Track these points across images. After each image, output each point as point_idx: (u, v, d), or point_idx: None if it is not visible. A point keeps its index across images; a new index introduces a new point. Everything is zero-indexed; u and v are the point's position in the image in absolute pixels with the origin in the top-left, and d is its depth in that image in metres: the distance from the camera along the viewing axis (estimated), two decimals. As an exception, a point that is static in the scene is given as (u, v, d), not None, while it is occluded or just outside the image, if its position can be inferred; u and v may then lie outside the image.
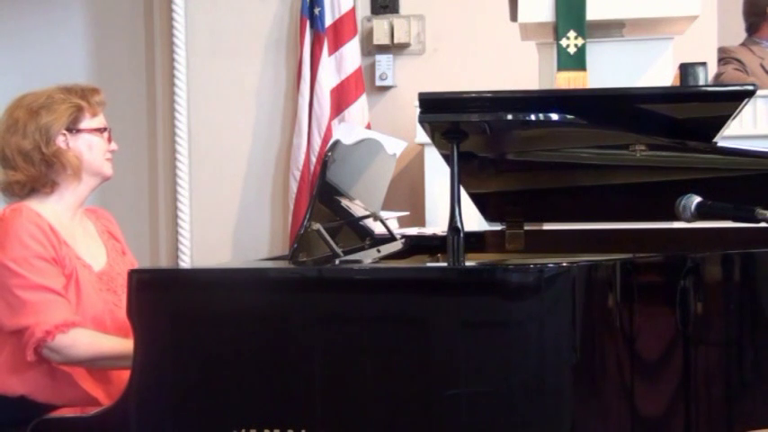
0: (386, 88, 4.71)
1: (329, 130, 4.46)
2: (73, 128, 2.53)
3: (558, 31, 3.48)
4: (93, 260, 2.57)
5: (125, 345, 2.31)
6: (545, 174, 2.63)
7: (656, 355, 2.20)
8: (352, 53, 4.55)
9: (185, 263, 4.77)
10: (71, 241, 2.51)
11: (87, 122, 2.56)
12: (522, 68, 3.85)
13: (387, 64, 4.68)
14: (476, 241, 2.86)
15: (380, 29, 4.67)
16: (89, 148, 2.55)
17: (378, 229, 2.70)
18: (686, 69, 3.41)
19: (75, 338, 2.37)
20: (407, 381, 2.00)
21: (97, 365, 2.44)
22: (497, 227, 2.87)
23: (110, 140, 2.61)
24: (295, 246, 2.21)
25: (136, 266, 2.71)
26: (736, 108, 2.25)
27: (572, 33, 3.47)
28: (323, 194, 2.30)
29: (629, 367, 2.13)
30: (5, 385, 2.41)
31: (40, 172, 2.49)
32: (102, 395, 2.44)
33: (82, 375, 2.46)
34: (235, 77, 4.76)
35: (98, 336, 2.42)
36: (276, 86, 4.75)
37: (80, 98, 2.55)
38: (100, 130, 2.57)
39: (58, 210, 2.53)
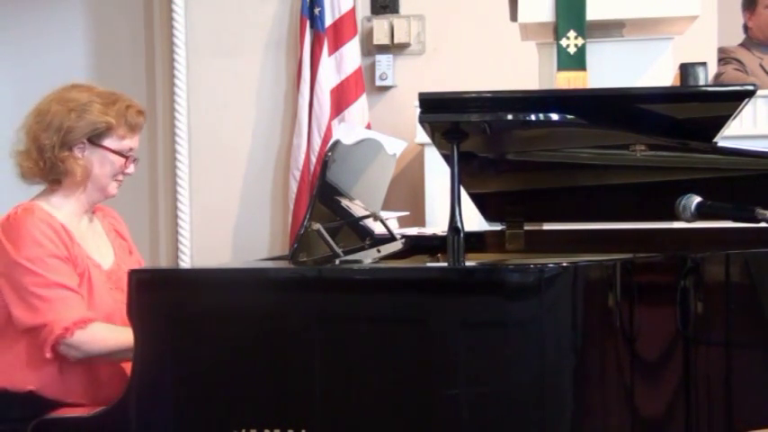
0: (386, 88, 4.71)
1: (329, 130, 4.46)
2: (95, 141, 2.54)
3: (558, 31, 3.48)
4: (102, 259, 2.59)
5: None
6: (545, 174, 2.63)
7: (657, 355, 2.20)
8: (352, 53, 4.55)
9: (185, 263, 4.77)
10: (81, 241, 2.53)
11: (111, 142, 2.55)
12: (522, 68, 3.85)
13: (387, 64, 4.68)
14: (476, 241, 2.86)
15: (380, 29, 4.67)
16: (101, 164, 2.55)
17: (378, 229, 2.70)
18: (686, 69, 3.41)
19: (94, 333, 2.40)
20: (407, 381, 2.00)
21: (114, 358, 2.45)
22: (497, 227, 2.86)
23: (128, 164, 2.59)
24: (295, 246, 2.21)
25: (143, 265, 2.75)
26: (737, 108, 2.25)
27: (572, 33, 3.47)
28: (323, 194, 2.30)
29: (629, 367, 2.13)
30: (16, 380, 2.43)
31: (45, 167, 2.52)
32: (109, 392, 2.43)
33: (91, 372, 2.47)
34: (235, 77, 4.76)
35: (115, 329, 2.44)
36: (276, 86, 4.75)
37: (117, 116, 2.54)
38: (120, 154, 2.56)
39: (68, 211, 2.55)
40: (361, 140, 2.47)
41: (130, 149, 2.59)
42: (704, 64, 3.44)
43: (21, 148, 2.56)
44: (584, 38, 3.46)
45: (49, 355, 2.38)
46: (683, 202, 2.20)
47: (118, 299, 2.50)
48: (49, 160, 2.51)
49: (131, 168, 2.62)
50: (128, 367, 2.40)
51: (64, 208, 2.54)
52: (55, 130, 2.51)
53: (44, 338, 2.38)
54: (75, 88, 2.59)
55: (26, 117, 2.58)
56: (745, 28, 4.60)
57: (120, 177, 2.60)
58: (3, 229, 2.45)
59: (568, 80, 3.47)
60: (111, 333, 2.42)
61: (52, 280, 2.40)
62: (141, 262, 2.77)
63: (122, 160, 2.57)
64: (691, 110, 2.31)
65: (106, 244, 2.65)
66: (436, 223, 3.89)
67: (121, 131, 2.56)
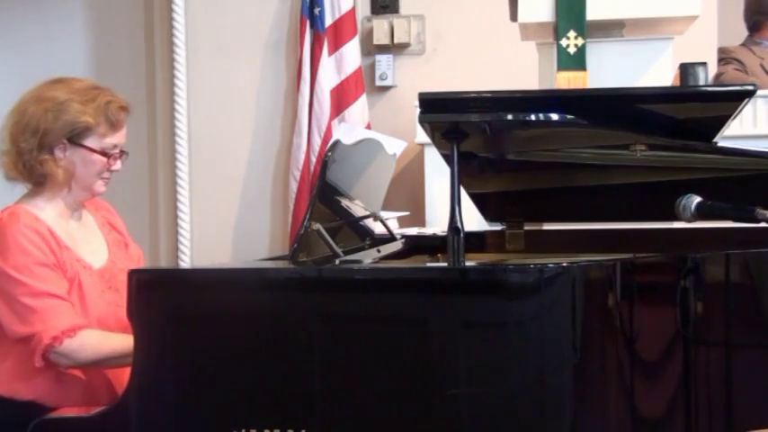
0: (386, 88, 4.71)
1: (329, 130, 4.46)
2: (75, 141, 2.46)
3: (558, 31, 3.48)
4: (94, 258, 2.54)
5: (131, 342, 2.25)
6: (545, 174, 2.63)
7: (657, 355, 2.20)
8: (352, 53, 4.54)
9: (185, 263, 4.76)
10: (70, 243, 2.48)
11: (92, 141, 2.47)
12: (522, 68, 3.85)
13: (387, 64, 4.67)
14: (476, 241, 2.86)
15: (380, 29, 4.67)
16: (84, 163, 2.48)
17: (378, 229, 2.70)
18: (686, 69, 3.41)
19: (83, 341, 2.36)
20: (407, 381, 2.00)
21: (105, 365, 2.42)
22: (497, 227, 2.86)
23: (112, 162, 2.51)
24: (295, 246, 2.21)
25: (140, 256, 2.71)
26: (737, 108, 2.25)
27: (572, 33, 3.47)
28: (323, 194, 2.30)
29: (629, 367, 2.13)
30: (13, 390, 2.40)
31: (25, 170, 2.47)
32: (108, 396, 2.43)
33: (89, 376, 2.45)
34: (235, 77, 4.76)
35: (105, 336, 2.40)
36: (276, 86, 4.75)
37: (95, 115, 2.46)
38: (103, 153, 2.48)
39: (54, 213, 2.49)
40: (361, 140, 2.47)
41: (114, 147, 2.51)
42: (704, 64, 3.44)
43: (3, 148, 2.50)
44: (584, 38, 3.46)
45: (39, 364, 2.34)
46: (683, 202, 2.20)
47: (111, 300, 2.48)
48: (27, 163, 2.45)
49: (118, 165, 2.53)
50: (123, 371, 2.37)
51: (48, 209, 2.48)
52: (31, 132, 2.44)
53: (34, 348, 2.34)
54: (56, 84, 2.51)
55: (6, 116, 2.51)
56: (755, 25, 4.56)
57: (106, 175, 2.52)
58: None
59: (568, 80, 3.47)
60: (102, 340, 2.38)
61: (40, 289, 2.35)
62: (140, 254, 2.71)
63: (105, 159, 2.49)
64: (691, 110, 2.31)
65: (99, 240, 2.60)
66: (436, 223, 3.89)
67: (102, 129, 2.47)
